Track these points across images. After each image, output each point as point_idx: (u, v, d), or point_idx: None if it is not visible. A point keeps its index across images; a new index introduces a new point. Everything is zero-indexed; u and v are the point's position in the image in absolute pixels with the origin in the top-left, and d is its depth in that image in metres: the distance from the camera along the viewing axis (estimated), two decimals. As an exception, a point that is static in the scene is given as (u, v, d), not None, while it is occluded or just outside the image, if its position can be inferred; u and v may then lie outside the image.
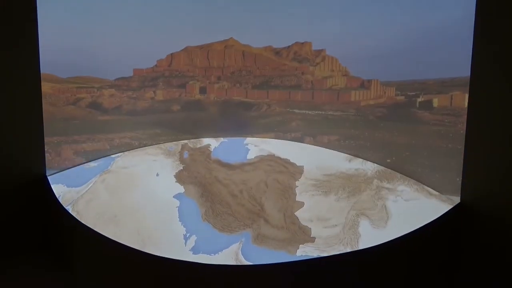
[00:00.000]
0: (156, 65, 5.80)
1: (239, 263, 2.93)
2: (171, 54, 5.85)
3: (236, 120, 5.40)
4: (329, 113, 5.36)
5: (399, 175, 3.94)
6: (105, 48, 5.07)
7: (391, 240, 3.02)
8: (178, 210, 3.49)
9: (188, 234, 3.19)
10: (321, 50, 5.80)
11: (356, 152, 4.38)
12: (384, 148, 4.49)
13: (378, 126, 4.94)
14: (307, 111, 5.46)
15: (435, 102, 4.81)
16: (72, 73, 5.20)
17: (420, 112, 4.83)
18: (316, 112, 5.44)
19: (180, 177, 3.94)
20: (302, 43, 5.86)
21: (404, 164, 4.08)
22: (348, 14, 5.20)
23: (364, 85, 5.49)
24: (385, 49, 4.89)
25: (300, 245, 3.11)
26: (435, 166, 3.97)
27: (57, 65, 4.26)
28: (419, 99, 4.92)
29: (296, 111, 5.51)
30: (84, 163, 3.95)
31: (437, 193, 3.57)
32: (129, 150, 4.36)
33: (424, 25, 4.54)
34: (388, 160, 4.20)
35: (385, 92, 5.31)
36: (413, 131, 4.64)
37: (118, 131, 5.01)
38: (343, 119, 5.24)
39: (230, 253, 3.03)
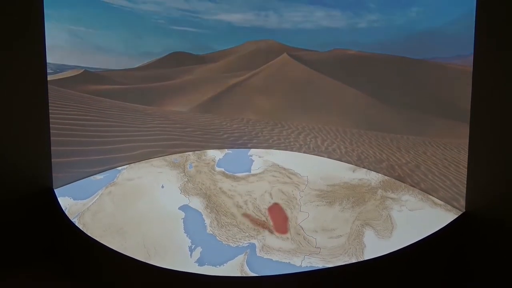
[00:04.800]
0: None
1: (244, 275, 3.04)
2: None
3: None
4: (339, 125, 5.39)
5: (403, 184, 4.04)
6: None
7: (396, 250, 3.12)
8: (183, 221, 3.65)
9: (193, 246, 3.33)
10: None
11: (368, 165, 4.42)
12: (398, 161, 4.50)
13: (392, 137, 4.93)
14: (315, 123, 5.50)
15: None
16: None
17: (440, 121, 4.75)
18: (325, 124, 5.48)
19: (185, 189, 4.08)
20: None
21: (417, 176, 4.09)
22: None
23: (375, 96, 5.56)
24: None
25: (305, 256, 3.22)
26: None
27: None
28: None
29: (303, 123, 5.57)
30: (90, 175, 4.07)
31: (442, 202, 3.69)
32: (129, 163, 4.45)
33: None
34: (403, 176, 4.21)
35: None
36: (429, 142, 4.56)
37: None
38: (353, 132, 5.25)
39: (236, 264, 3.16)
